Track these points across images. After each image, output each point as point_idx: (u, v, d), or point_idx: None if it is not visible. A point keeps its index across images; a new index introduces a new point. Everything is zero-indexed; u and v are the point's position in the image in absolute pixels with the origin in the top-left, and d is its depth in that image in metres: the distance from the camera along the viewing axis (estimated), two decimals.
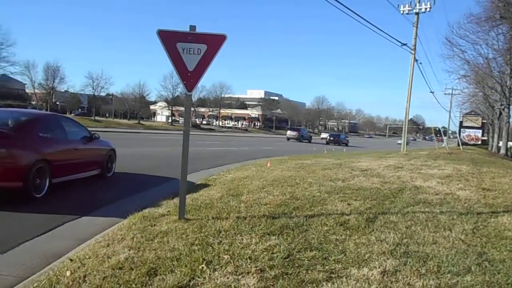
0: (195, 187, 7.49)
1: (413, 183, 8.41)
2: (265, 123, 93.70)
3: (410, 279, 3.17)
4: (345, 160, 14.07)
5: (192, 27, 4.90)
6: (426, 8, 24.72)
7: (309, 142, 47.86)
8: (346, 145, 48.18)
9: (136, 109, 73.44)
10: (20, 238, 4.31)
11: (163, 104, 78.88)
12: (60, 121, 7.77)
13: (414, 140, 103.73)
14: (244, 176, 9.12)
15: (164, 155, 14.74)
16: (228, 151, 20.68)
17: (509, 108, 29.46)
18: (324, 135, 60.02)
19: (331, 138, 50.25)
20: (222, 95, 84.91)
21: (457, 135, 47.68)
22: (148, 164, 11.59)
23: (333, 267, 3.37)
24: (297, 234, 4.28)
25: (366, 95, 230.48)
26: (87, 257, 3.62)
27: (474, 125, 44.83)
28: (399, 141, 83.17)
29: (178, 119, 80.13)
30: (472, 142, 43.48)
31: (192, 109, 61.14)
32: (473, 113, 46.10)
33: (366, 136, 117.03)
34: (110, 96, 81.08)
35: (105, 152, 8.80)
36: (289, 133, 50.81)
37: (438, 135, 47.52)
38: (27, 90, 70.70)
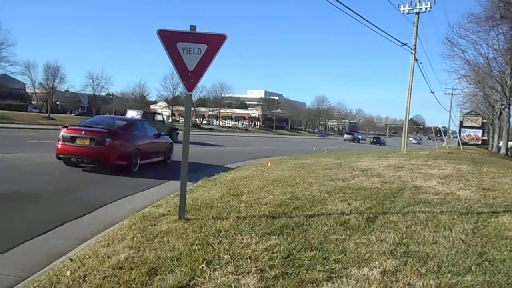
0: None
1: (413, 183, 8.40)
2: (265, 123, 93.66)
3: (410, 279, 3.17)
4: (345, 160, 14.07)
5: (193, 27, 4.90)
6: (426, 8, 24.71)
7: (358, 142, 64.66)
8: (384, 144, 62.17)
9: (136, 108, 73.41)
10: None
11: (163, 104, 78.84)
12: (143, 123, 11.76)
13: (420, 140, 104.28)
14: (244, 176, 9.12)
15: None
16: (229, 151, 20.67)
17: (509, 108, 29.40)
18: (346, 136, 75.14)
19: (374, 140, 66.43)
20: (222, 95, 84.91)
21: (457, 135, 47.65)
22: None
23: (333, 267, 3.37)
24: (297, 234, 4.28)
25: (366, 95, 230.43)
26: (87, 256, 3.62)
27: (474, 125, 44.75)
28: (413, 141, 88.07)
29: (178, 119, 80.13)
30: (472, 142, 43.41)
31: (192, 109, 61.18)
32: (473, 113, 46.03)
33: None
34: (110, 96, 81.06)
35: (166, 145, 12.48)
36: (346, 136, 70.56)
37: (439, 135, 47.55)
38: (27, 90, 70.72)
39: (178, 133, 25.86)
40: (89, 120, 11.67)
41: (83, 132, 9.38)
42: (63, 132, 9.39)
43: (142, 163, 10.28)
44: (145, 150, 10.67)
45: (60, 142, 9.30)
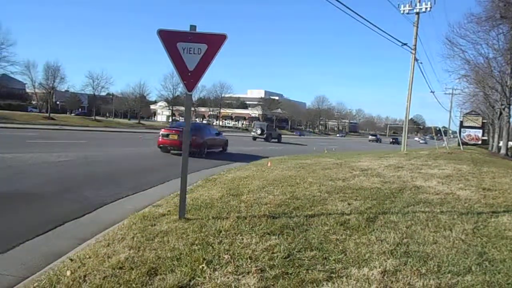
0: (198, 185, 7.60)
1: (413, 183, 8.40)
2: (266, 123, 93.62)
3: (410, 279, 3.17)
4: (345, 160, 14.06)
5: (193, 27, 4.89)
6: (426, 8, 24.69)
7: (380, 142, 72.65)
8: (401, 144, 65.22)
9: (136, 108, 73.37)
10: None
11: (163, 103, 78.85)
12: (209, 126, 22.23)
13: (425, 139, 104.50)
14: (245, 176, 9.11)
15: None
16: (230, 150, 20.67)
17: (509, 108, 29.36)
18: (371, 137, 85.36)
19: (393, 140, 75.69)
20: (223, 95, 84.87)
21: (458, 135, 47.61)
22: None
23: (334, 267, 3.37)
24: (297, 234, 4.27)
25: (366, 95, 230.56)
26: (87, 256, 3.62)
27: (475, 125, 44.67)
28: (421, 141, 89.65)
29: (178, 119, 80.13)
30: (472, 142, 43.36)
31: (193, 109, 61.25)
32: (473, 113, 45.95)
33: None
34: (111, 96, 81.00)
35: (223, 141, 19.09)
36: (370, 137, 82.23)
37: (439, 135, 47.62)
38: (27, 90, 70.58)
39: (281, 136, 41.91)
40: (175, 124, 21.62)
41: (173, 131, 15.79)
42: (162, 131, 15.95)
43: (208, 151, 16.48)
44: (210, 143, 17.03)
45: (160, 137, 15.63)
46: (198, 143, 15.34)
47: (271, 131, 39.52)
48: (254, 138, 38.21)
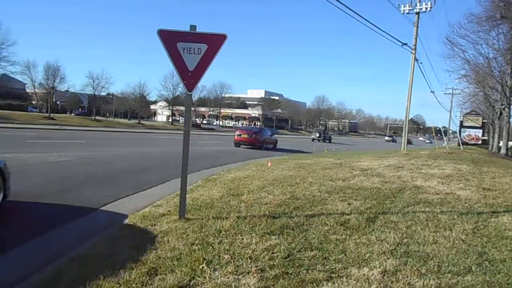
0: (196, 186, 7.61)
1: (413, 183, 8.39)
2: (266, 123, 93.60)
3: (410, 278, 3.17)
4: (345, 160, 14.06)
5: (193, 27, 4.89)
6: (426, 8, 24.66)
7: (395, 142, 73.50)
8: (411, 143, 66.06)
9: (136, 108, 73.35)
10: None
11: (163, 103, 78.74)
12: (266, 129, 29.57)
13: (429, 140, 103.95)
14: (245, 176, 9.11)
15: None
16: (229, 151, 20.67)
17: (509, 108, 29.35)
18: (387, 138, 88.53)
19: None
20: (223, 95, 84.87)
21: (458, 134, 47.60)
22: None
23: (334, 267, 3.37)
24: (297, 234, 4.28)
25: (366, 95, 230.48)
26: (87, 256, 3.62)
27: (475, 124, 44.65)
28: (426, 141, 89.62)
29: (178, 119, 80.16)
30: (472, 142, 43.34)
31: (193, 108, 61.37)
32: (473, 112, 45.93)
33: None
34: (111, 96, 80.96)
35: (275, 139, 27.13)
36: (387, 138, 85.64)
37: (439, 135, 47.66)
38: (27, 90, 70.55)
39: (332, 138, 55.49)
40: (246, 127, 37.20)
41: (244, 131, 24.18)
42: (237, 132, 24.54)
43: (265, 146, 23.76)
44: (267, 141, 24.48)
45: (235, 136, 23.94)
46: (260, 140, 23.68)
47: (325, 134, 54.00)
48: (313, 140, 50.89)
